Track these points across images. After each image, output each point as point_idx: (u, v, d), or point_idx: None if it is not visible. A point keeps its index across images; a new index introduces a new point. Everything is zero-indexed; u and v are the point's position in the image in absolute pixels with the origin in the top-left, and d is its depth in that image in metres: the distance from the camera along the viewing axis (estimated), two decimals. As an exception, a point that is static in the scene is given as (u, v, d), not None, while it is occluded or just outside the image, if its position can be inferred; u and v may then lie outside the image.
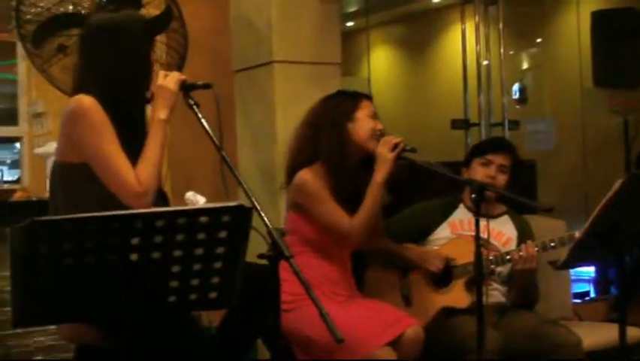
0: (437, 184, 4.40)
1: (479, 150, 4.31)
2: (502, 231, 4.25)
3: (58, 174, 3.11)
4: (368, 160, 3.84)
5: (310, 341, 3.64)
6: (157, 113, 3.08)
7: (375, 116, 3.92)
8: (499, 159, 4.21)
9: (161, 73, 3.14)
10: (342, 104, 3.94)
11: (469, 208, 4.30)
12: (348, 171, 3.84)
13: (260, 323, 3.26)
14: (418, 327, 3.76)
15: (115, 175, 2.97)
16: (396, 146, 3.76)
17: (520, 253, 3.94)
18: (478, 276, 3.40)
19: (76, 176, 3.03)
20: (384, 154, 3.75)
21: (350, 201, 3.84)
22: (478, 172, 4.19)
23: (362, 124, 3.88)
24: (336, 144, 3.85)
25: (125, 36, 3.12)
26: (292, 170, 3.90)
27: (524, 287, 4.09)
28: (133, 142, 3.04)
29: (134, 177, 2.96)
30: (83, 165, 3.01)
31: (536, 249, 3.95)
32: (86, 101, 2.99)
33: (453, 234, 4.24)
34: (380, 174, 3.75)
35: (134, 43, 3.13)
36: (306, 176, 3.82)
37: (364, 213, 3.76)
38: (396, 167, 3.78)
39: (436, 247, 4.22)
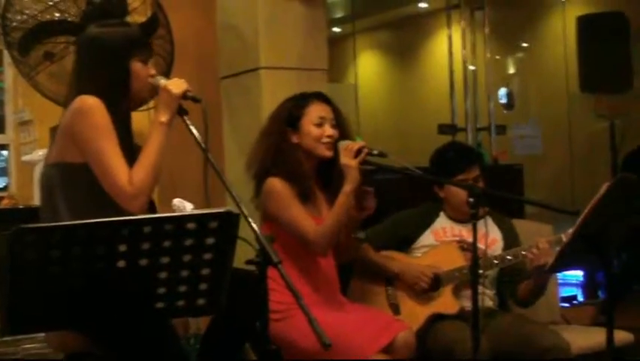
0: (410, 194, 4.41)
1: (448, 173, 4.16)
2: (486, 232, 4.24)
3: (57, 175, 3.09)
4: (332, 164, 3.82)
5: (302, 351, 3.61)
6: (158, 115, 3.11)
7: (324, 120, 3.85)
8: (471, 174, 4.17)
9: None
10: (287, 114, 3.91)
11: (449, 216, 4.30)
12: (303, 178, 3.82)
13: (247, 329, 3.26)
14: (408, 332, 3.76)
15: (108, 174, 2.98)
16: (358, 152, 3.72)
17: (534, 250, 3.88)
18: (473, 280, 3.40)
19: (78, 176, 3.04)
20: (347, 162, 3.70)
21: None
22: (459, 194, 4.09)
23: (306, 134, 3.84)
24: (279, 155, 3.83)
25: (109, 50, 3.17)
26: (258, 181, 3.88)
27: (540, 284, 4.04)
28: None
29: (126, 178, 2.96)
30: (86, 165, 3.02)
31: (539, 246, 3.90)
32: (90, 100, 3.02)
33: (436, 241, 4.24)
34: (348, 183, 3.69)
35: (117, 56, 3.16)
36: (273, 182, 3.79)
37: (330, 222, 3.72)
38: (363, 173, 3.76)
39: (419, 255, 4.23)
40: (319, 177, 3.92)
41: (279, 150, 3.83)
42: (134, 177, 2.97)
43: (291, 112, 3.90)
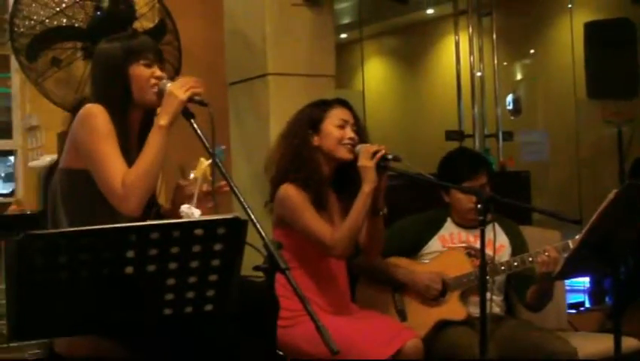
0: (417, 200, 4.41)
1: (455, 180, 4.12)
2: (494, 238, 4.22)
3: (60, 181, 3.13)
4: (349, 169, 3.82)
5: (310, 358, 3.61)
6: (158, 118, 3.11)
7: (346, 123, 3.87)
8: (478, 181, 4.15)
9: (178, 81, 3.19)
10: (308, 116, 3.92)
11: (456, 222, 4.29)
12: (319, 183, 3.82)
13: (256, 337, 3.25)
14: (417, 340, 3.73)
15: (103, 175, 3.01)
16: (375, 154, 3.71)
17: (547, 255, 3.88)
18: (482, 286, 3.40)
19: (78, 182, 3.08)
20: (364, 164, 3.70)
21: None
22: (463, 201, 4.15)
23: (328, 134, 3.85)
24: (298, 157, 3.83)
25: (106, 61, 3.25)
26: (274, 185, 3.88)
27: (546, 290, 4.05)
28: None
29: (119, 179, 2.98)
30: (85, 171, 3.06)
31: (548, 254, 3.89)
32: (95, 108, 3.09)
33: (444, 247, 4.23)
34: (366, 184, 3.69)
35: (114, 66, 3.20)
36: (288, 188, 3.79)
37: (348, 225, 3.71)
38: (384, 176, 3.77)
39: (427, 261, 4.21)
40: (335, 184, 3.92)
41: (299, 152, 3.84)
42: (126, 179, 2.99)
43: (313, 114, 3.91)
